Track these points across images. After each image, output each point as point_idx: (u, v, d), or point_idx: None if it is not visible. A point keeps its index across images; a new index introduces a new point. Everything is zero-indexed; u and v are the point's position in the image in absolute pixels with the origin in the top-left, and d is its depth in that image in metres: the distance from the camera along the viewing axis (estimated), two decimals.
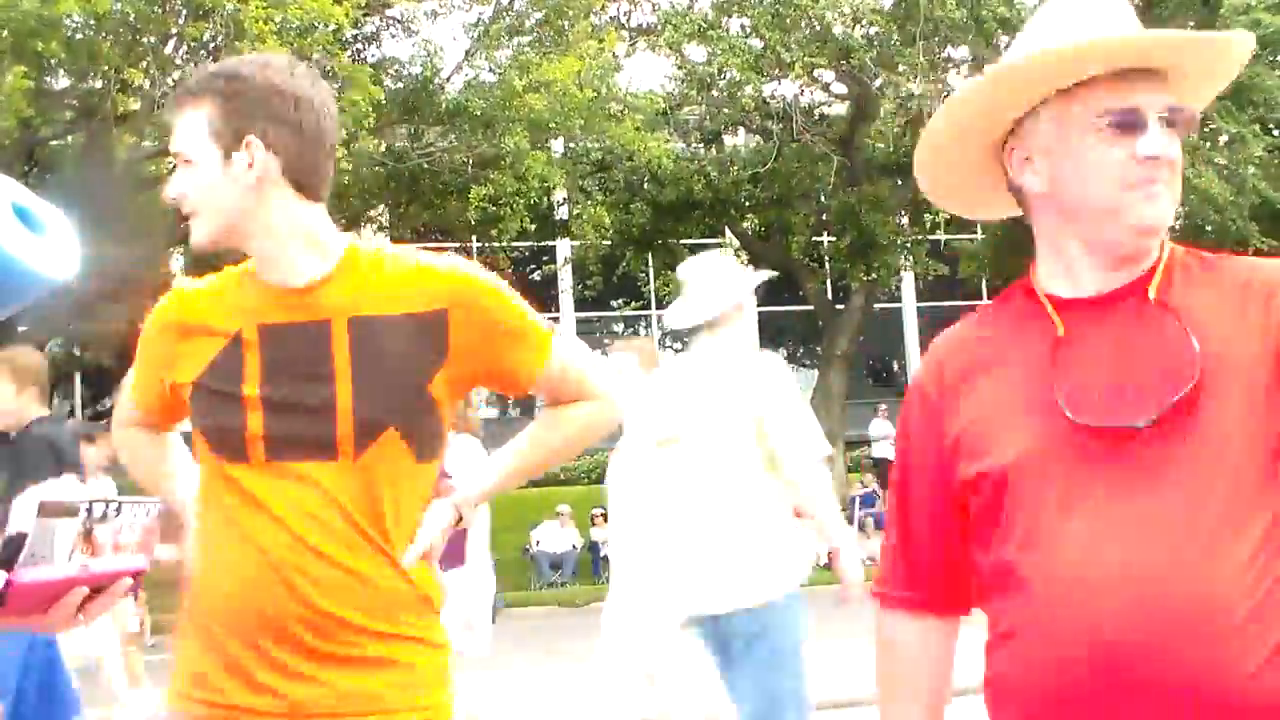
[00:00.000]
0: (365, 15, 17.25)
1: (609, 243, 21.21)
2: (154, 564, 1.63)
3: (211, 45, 15.24)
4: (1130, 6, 1.69)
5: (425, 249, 2.21)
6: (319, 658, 2.05)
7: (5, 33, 13.45)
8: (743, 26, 19.43)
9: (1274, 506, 1.53)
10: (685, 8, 19.60)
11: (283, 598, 2.04)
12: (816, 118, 20.62)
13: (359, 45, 18.27)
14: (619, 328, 30.69)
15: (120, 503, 1.49)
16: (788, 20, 18.47)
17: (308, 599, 2.04)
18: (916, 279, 25.93)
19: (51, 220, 1.68)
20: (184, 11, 15.02)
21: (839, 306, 21.90)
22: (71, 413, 23.65)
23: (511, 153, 16.53)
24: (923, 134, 1.78)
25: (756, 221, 21.60)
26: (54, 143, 17.17)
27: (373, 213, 19.84)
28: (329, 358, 2.07)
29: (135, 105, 15.49)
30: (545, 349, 2.21)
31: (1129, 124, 1.61)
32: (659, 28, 19.72)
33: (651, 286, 24.73)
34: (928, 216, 19.58)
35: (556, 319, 29.52)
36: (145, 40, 14.83)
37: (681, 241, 22.20)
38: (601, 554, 19.53)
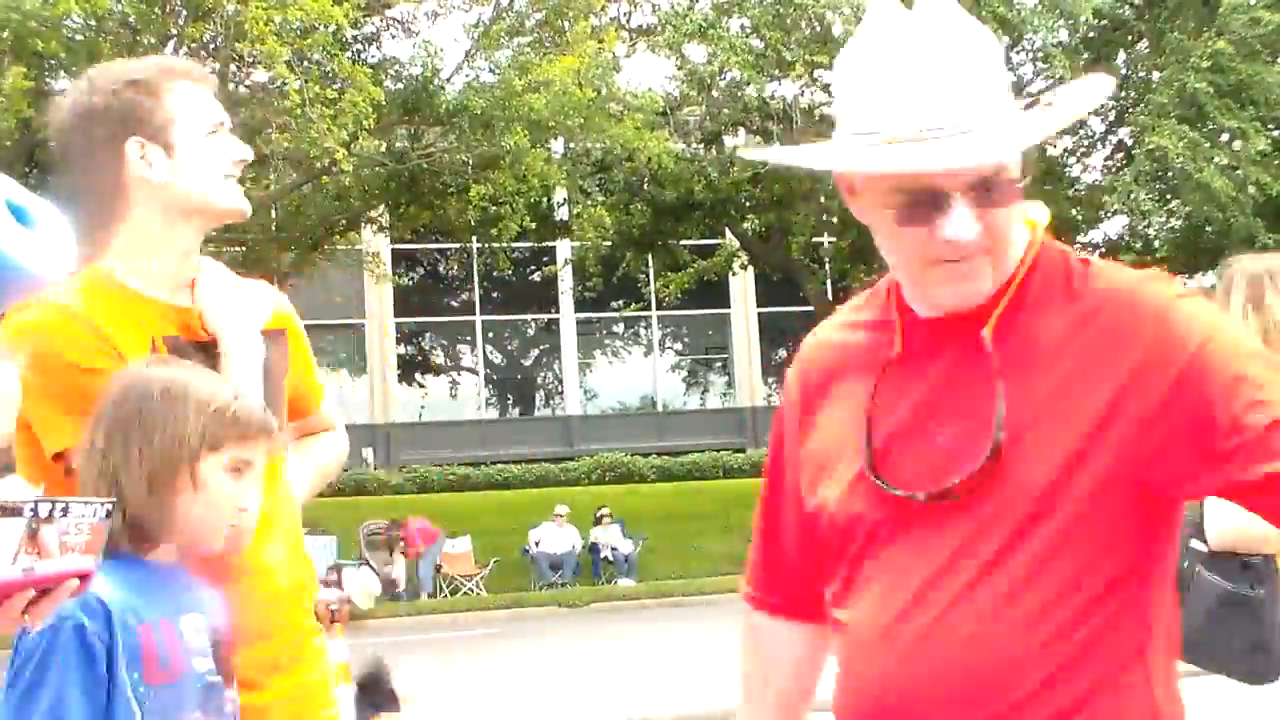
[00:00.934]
0: (365, 16, 17.28)
1: (609, 243, 21.20)
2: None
3: (211, 46, 15.27)
4: (952, 54, 1.50)
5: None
6: None
7: (5, 33, 13.46)
8: (743, 26, 19.41)
9: (1089, 564, 1.44)
10: (685, 8, 19.57)
11: None
12: (817, 118, 20.61)
13: (359, 46, 18.30)
14: (619, 328, 30.70)
15: (68, 503, 1.43)
16: (788, 20, 18.46)
17: None
18: None
19: (46, 217, 1.67)
20: (184, 12, 15.04)
21: (839, 307, 21.84)
22: None
23: (511, 152, 16.53)
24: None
25: (756, 222, 21.57)
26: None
27: (373, 213, 19.86)
28: None
29: None
30: None
31: (921, 208, 1.44)
32: (659, 28, 19.71)
33: (651, 287, 24.73)
34: None
35: (556, 319, 29.53)
36: (145, 40, 14.82)
37: (681, 242, 22.21)
38: (601, 554, 19.52)
